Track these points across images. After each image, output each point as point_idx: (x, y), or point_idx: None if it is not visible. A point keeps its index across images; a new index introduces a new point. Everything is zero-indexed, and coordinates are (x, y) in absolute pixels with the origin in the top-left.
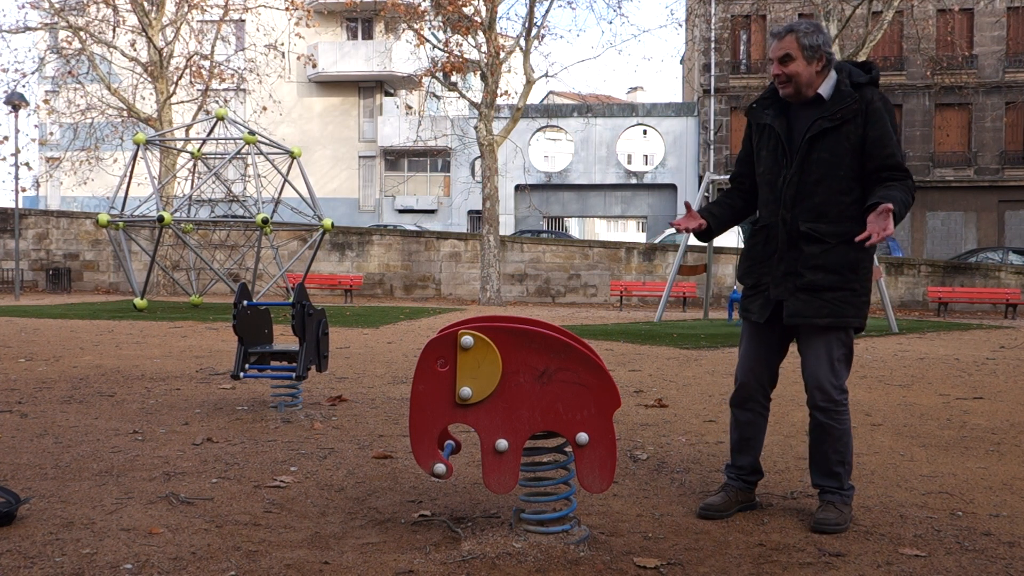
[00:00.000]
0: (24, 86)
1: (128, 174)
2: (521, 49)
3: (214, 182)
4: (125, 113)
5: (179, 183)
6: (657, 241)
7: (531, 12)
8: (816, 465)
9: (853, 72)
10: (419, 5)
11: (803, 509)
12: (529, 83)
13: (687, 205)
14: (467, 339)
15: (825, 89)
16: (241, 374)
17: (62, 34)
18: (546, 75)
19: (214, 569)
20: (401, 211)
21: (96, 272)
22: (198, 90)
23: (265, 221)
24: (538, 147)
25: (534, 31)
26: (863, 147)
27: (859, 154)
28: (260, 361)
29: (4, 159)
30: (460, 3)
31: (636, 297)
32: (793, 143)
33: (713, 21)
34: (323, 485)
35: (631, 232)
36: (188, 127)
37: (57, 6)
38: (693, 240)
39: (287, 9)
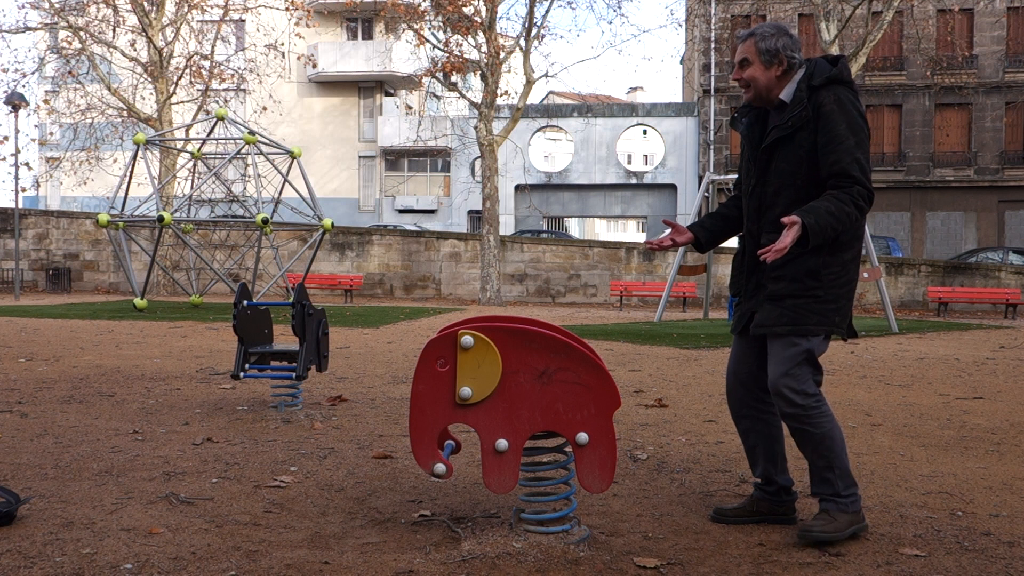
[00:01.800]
0: (24, 86)
1: (128, 174)
2: (521, 49)
3: (214, 182)
4: (125, 113)
5: (179, 183)
6: None
7: (531, 12)
8: (809, 472)
9: (816, 71)
10: (419, 5)
11: (804, 509)
12: (529, 83)
13: (666, 222)
14: (467, 339)
15: (786, 94)
16: (241, 374)
17: (62, 34)
18: (546, 75)
19: (214, 569)
20: (401, 211)
21: (96, 272)
22: (198, 90)
23: (265, 221)
24: (538, 147)
25: (534, 31)
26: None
27: (815, 161)
28: (260, 361)
29: (4, 159)
30: (460, 3)
31: (636, 297)
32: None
33: (713, 21)
34: (323, 485)
35: (631, 232)
36: (188, 127)
37: (57, 6)
38: None
39: (287, 9)
